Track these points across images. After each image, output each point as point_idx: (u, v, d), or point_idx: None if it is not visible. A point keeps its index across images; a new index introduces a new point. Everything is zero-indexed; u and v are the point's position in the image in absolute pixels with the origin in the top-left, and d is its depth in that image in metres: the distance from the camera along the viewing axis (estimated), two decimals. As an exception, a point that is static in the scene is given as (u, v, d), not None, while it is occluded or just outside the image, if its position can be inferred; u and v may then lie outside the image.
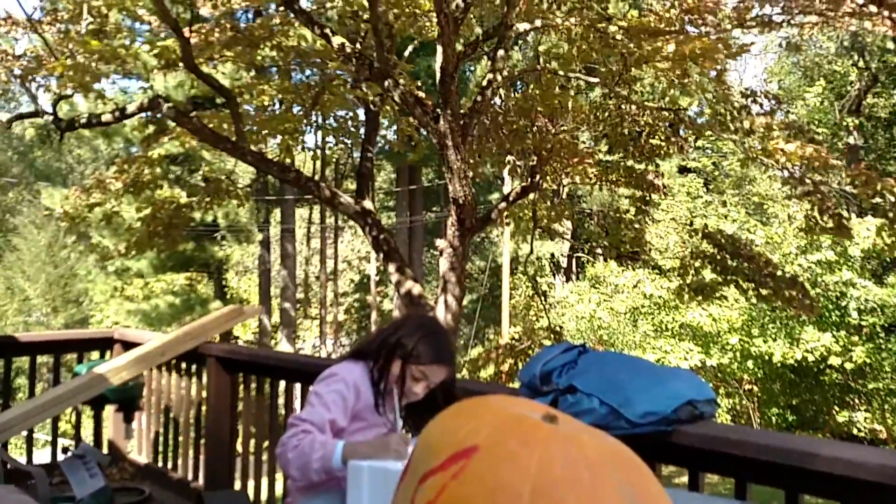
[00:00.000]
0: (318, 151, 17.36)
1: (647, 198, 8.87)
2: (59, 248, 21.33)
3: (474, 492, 0.78)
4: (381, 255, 7.13)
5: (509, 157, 8.02)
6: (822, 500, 1.78)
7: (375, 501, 1.53)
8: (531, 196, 7.93)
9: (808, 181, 6.89)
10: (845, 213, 11.30)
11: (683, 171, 19.46)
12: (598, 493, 0.79)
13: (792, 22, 5.97)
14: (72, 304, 20.91)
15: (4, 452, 3.53)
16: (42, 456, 4.70)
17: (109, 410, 4.49)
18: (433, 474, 0.83)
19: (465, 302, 8.02)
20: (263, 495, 3.74)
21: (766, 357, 11.79)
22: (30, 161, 27.56)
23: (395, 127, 8.65)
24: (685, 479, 2.07)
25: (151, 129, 8.37)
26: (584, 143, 8.28)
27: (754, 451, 1.78)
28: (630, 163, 8.03)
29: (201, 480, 4.04)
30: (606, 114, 6.93)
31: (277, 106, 8.20)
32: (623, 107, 6.70)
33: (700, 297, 8.47)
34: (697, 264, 8.12)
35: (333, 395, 1.93)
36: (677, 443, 1.91)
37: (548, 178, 7.85)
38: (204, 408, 4.07)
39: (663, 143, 7.25)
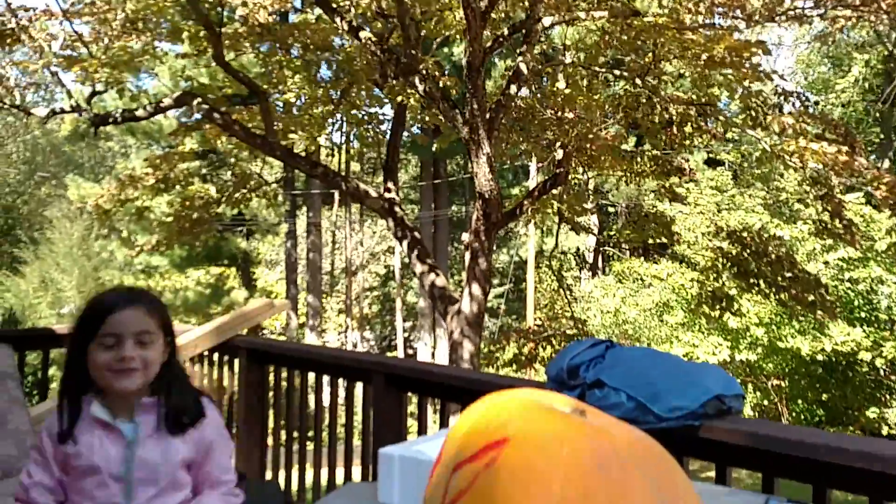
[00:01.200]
0: (345, 146, 17.48)
1: (674, 188, 8.81)
2: (93, 240, 21.70)
3: (506, 481, 0.81)
4: (406, 248, 7.18)
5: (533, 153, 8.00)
6: (851, 496, 1.78)
7: (406, 490, 1.56)
8: (556, 190, 7.91)
9: (827, 182, 6.81)
10: (866, 210, 11.14)
11: (711, 163, 19.23)
12: (627, 485, 0.82)
13: (825, 16, 5.87)
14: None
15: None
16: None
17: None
18: (466, 464, 0.86)
19: (489, 297, 8.03)
20: (294, 486, 3.80)
21: (795, 351, 11.66)
22: (63, 155, 28.07)
23: (420, 119, 8.65)
24: (712, 473, 2.08)
25: (187, 119, 8.46)
26: (610, 133, 8.22)
27: (782, 445, 1.79)
28: (656, 152, 7.97)
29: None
30: (636, 103, 6.89)
31: (303, 101, 8.28)
32: (653, 97, 6.66)
33: (719, 309, 8.40)
34: (720, 266, 8.06)
35: (33, 455, 1.71)
36: (705, 437, 1.91)
37: (574, 170, 7.83)
38: (236, 398, 4.14)
39: (695, 132, 7.18)
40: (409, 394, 3.22)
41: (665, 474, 0.88)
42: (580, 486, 0.80)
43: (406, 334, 24.29)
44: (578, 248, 23.32)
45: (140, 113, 6.47)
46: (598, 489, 0.80)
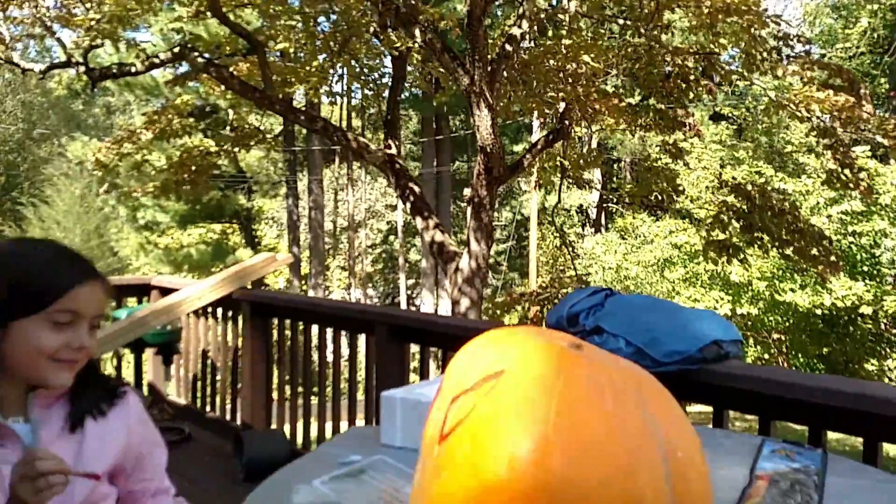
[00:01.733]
0: (345, 100, 17.31)
1: (678, 144, 8.74)
2: (93, 198, 21.71)
3: (503, 409, 0.82)
4: (408, 204, 7.17)
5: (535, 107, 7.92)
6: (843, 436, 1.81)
7: (407, 427, 1.60)
8: (559, 144, 7.85)
9: (834, 132, 6.74)
10: (871, 164, 11.08)
11: (716, 118, 19.05)
12: (620, 414, 0.83)
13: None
14: (108, 254, 21.41)
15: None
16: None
17: (149, 354, 4.65)
18: (464, 394, 0.88)
19: (491, 253, 8.04)
20: (300, 439, 3.87)
21: (795, 306, 11.73)
22: (62, 113, 27.87)
23: (422, 73, 8.54)
24: (709, 426, 2.11)
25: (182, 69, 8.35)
26: (614, 87, 8.11)
27: (779, 388, 1.81)
28: (660, 106, 7.89)
29: (239, 421, 4.19)
30: (635, 53, 6.79)
31: (303, 55, 8.16)
32: (653, 46, 6.56)
33: (725, 257, 8.41)
34: (725, 219, 8.04)
35: None
36: (703, 381, 1.94)
37: (576, 125, 7.76)
38: (240, 354, 4.19)
39: (692, 85, 7.11)
40: (412, 346, 3.25)
41: (660, 406, 0.89)
42: (574, 415, 0.81)
43: (409, 292, 24.42)
44: (581, 205, 23.27)
45: (138, 67, 6.40)
46: (593, 417, 0.81)
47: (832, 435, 1.87)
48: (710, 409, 2.09)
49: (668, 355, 1.94)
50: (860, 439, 1.78)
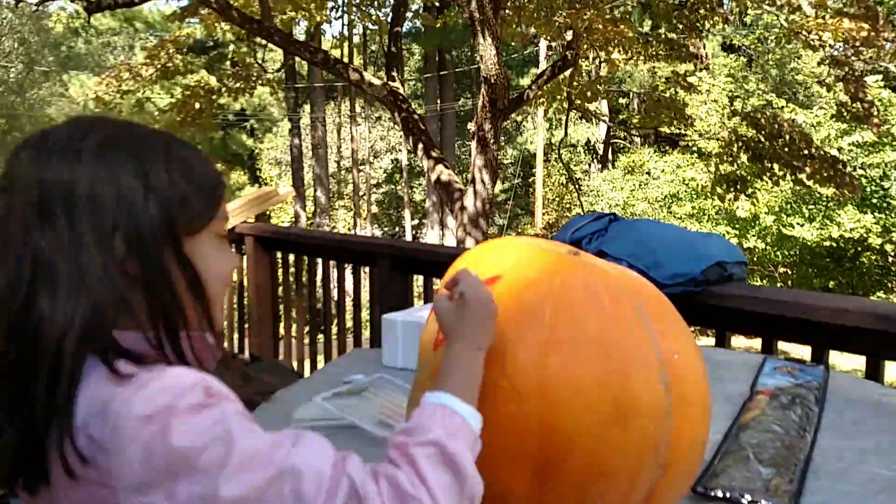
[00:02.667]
0: (346, 33, 16.96)
1: (689, 75, 8.53)
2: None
3: (498, 314, 0.81)
4: (411, 138, 7.07)
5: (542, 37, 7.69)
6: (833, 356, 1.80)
7: (408, 349, 1.62)
8: (566, 74, 7.68)
9: (847, 62, 6.55)
10: (885, 94, 10.81)
11: (727, 48, 18.60)
12: (616, 315, 0.81)
13: None
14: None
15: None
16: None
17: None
18: (459, 300, 0.86)
19: (497, 190, 7.97)
20: (307, 375, 3.91)
21: (802, 240, 11.69)
22: (61, 53, 27.43)
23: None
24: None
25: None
26: (623, 14, 7.84)
27: (783, 308, 1.80)
28: (672, 35, 7.65)
29: (247, 354, 4.24)
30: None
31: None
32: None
33: (733, 192, 8.30)
34: (735, 150, 7.89)
35: (245, 425, 0.66)
36: (706, 303, 1.92)
37: (584, 55, 7.56)
38: (246, 284, 4.21)
39: (708, 14, 6.88)
40: (416, 279, 3.25)
41: (656, 310, 0.88)
42: (570, 314, 0.79)
43: (414, 232, 24.44)
44: (588, 140, 22.97)
45: (133, -1, 6.25)
46: (589, 317, 0.80)
47: (837, 368, 1.87)
48: (712, 342, 2.08)
49: (671, 278, 1.93)
50: (863, 369, 1.77)
